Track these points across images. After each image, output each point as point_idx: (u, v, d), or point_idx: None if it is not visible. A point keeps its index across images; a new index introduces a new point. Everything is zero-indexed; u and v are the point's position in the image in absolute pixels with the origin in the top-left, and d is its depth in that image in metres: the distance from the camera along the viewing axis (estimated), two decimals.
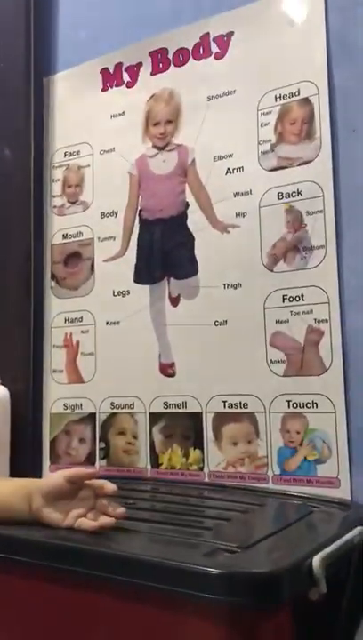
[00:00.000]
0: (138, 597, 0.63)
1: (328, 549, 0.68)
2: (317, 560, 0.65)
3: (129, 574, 0.64)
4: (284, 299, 1.03)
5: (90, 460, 1.20)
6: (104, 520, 0.73)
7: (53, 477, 0.79)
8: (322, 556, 0.66)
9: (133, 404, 1.16)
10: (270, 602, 0.60)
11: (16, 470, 1.20)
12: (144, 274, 1.18)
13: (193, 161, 1.14)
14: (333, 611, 0.69)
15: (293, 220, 1.04)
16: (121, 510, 0.74)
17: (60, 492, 0.76)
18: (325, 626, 0.69)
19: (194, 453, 1.09)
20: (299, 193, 1.03)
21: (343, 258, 1.00)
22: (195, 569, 0.61)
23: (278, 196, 1.05)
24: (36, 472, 1.24)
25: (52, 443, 1.24)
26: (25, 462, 1.23)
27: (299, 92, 1.05)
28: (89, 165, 1.27)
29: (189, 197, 1.14)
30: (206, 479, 1.07)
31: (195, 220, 1.13)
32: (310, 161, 1.03)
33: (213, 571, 0.60)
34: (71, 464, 1.20)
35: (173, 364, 1.13)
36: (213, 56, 1.14)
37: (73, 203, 1.29)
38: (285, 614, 0.63)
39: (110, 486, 0.76)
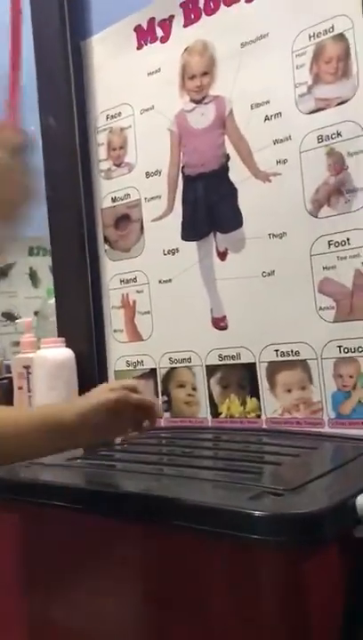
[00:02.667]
0: (188, 540, 0.68)
1: None
2: (361, 499, 0.68)
3: (180, 517, 0.68)
4: (330, 244, 1.02)
5: None
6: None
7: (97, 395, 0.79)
8: None
9: (189, 358, 1.20)
10: (312, 541, 0.63)
11: None
12: (191, 230, 1.19)
13: (231, 111, 1.13)
14: None
15: (334, 163, 1.01)
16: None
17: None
18: None
19: (251, 402, 1.12)
20: (339, 134, 1.01)
21: None
22: (240, 511, 0.64)
23: (318, 139, 1.03)
24: None
25: None
26: None
27: (333, 27, 1.01)
28: (131, 126, 1.28)
29: (230, 149, 1.13)
30: (264, 426, 1.11)
31: (236, 172, 1.12)
32: (348, 100, 1.00)
33: (256, 513, 0.63)
34: None
35: (224, 317, 1.15)
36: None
37: (118, 165, 1.31)
38: (331, 552, 0.66)
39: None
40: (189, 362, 1.20)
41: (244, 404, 1.13)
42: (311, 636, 0.64)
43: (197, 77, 1.18)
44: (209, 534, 0.65)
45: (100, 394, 0.78)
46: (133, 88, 1.27)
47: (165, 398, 1.24)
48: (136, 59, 1.26)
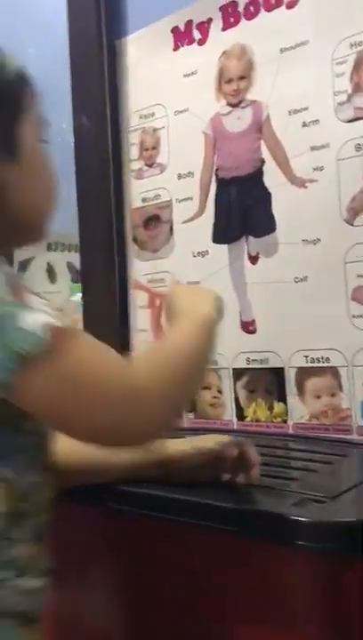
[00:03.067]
0: (232, 545, 0.68)
1: None
2: None
3: (223, 523, 0.69)
4: None
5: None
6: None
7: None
8: None
9: (216, 361, 1.20)
10: (357, 549, 0.63)
11: None
12: (222, 233, 1.20)
13: (268, 116, 1.14)
14: None
15: None
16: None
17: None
18: None
19: (278, 406, 1.13)
20: None
21: None
22: (287, 518, 0.65)
23: (356, 147, 1.03)
24: None
25: None
26: None
27: None
28: (164, 127, 1.29)
29: (265, 154, 1.14)
30: (291, 431, 1.11)
31: (271, 177, 1.13)
32: None
33: (303, 519, 0.64)
34: None
35: (253, 321, 1.15)
36: (284, 5, 1.11)
37: (150, 166, 1.31)
38: None
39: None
40: (216, 364, 1.20)
41: (271, 408, 1.14)
42: None
43: (234, 81, 1.18)
44: (256, 539, 0.65)
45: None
46: (167, 89, 1.28)
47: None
48: (172, 60, 1.27)
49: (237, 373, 1.18)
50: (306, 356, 1.09)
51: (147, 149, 1.32)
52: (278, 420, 1.12)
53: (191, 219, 1.23)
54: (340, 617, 0.65)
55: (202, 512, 0.70)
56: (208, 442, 0.77)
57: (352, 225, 1.04)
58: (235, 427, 1.18)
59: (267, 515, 0.66)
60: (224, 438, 0.77)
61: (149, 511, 0.73)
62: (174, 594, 0.74)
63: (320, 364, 1.07)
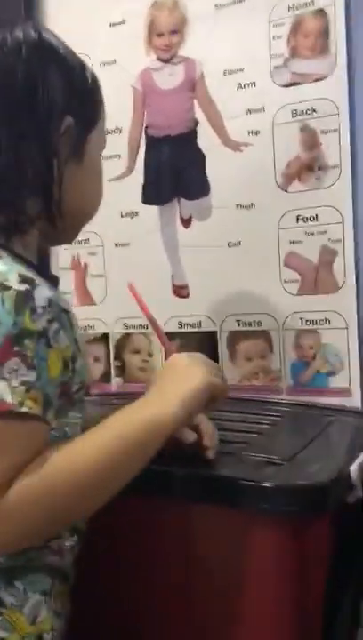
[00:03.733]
0: (199, 510, 0.69)
1: (361, 458, 0.75)
2: (354, 469, 0.72)
3: (187, 491, 0.69)
4: (298, 219, 1.05)
5: (105, 378, 1.24)
6: None
7: None
8: (358, 465, 0.73)
9: (146, 325, 1.19)
10: (318, 509, 0.66)
11: None
12: (153, 194, 1.17)
13: (201, 75, 1.11)
14: None
15: (307, 139, 1.03)
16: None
17: None
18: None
19: None
20: (314, 110, 1.03)
21: (358, 177, 1.01)
22: (251, 483, 0.66)
23: (292, 113, 1.04)
24: None
25: None
26: None
27: (313, 1, 1.02)
28: None
29: (199, 115, 1.11)
30: None
31: (205, 138, 1.11)
32: (325, 77, 1.01)
33: (268, 484, 0.66)
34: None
35: (186, 285, 1.15)
36: None
37: None
38: (325, 519, 0.70)
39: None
40: (146, 328, 1.19)
41: None
42: (304, 603, 0.68)
43: (166, 35, 1.14)
44: (221, 505, 0.67)
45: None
46: (92, 38, 1.20)
47: (118, 364, 1.23)
48: (98, 6, 1.20)
49: (169, 337, 1.17)
50: (238, 320, 1.11)
51: None
52: None
53: (119, 177, 1.19)
54: (295, 577, 0.68)
55: (163, 481, 0.70)
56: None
57: (286, 191, 1.06)
58: None
59: (232, 481, 0.67)
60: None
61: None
62: (129, 564, 0.74)
63: (252, 328, 1.10)
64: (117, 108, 1.18)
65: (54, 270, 1.27)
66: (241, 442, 0.82)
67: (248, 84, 1.07)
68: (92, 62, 1.18)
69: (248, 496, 0.66)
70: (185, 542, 0.71)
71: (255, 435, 0.86)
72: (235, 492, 0.67)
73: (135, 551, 0.74)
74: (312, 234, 1.04)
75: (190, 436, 0.71)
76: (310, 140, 1.03)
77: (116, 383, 1.23)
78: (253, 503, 0.66)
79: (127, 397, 1.16)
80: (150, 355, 1.20)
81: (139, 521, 0.73)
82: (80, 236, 1.23)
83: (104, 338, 1.24)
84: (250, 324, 1.10)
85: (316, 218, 1.04)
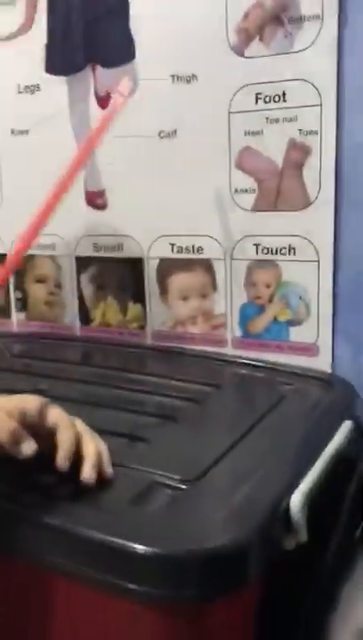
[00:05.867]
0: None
1: (309, 480, 0.47)
2: (296, 502, 0.45)
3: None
4: (257, 98, 0.72)
5: (5, 312, 0.95)
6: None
7: None
8: (303, 494, 0.46)
9: (53, 245, 0.88)
10: (230, 587, 0.39)
11: None
12: (59, 58, 0.83)
13: None
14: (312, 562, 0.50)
15: None
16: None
17: None
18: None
19: (134, 308, 0.85)
20: None
21: (346, 36, 0.67)
22: (116, 543, 0.39)
23: None
24: None
25: None
26: None
27: None
28: None
29: None
30: (149, 340, 0.85)
31: None
32: None
33: (139, 548, 0.38)
34: None
35: (103, 192, 0.83)
36: None
37: None
38: (243, 595, 0.43)
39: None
40: (53, 249, 0.89)
41: (124, 310, 0.86)
42: None
43: None
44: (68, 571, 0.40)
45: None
46: None
47: (19, 295, 0.93)
48: None
49: (82, 263, 0.87)
50: (172, 244, 0.80)
51: None
52: (134, 325, 0.85)
53: (14, 35, 0.84)
54: None
55: None
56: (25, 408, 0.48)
57: (242, 56, 0.72)
58: (78, 332, 0.90)
59: (81, 538, 0.40)
60: (33, 404, 0.48)
61: None
62: None
63: (190, 256, 0.80)
64: None
65: None
66: (134, 436, 0.54)
67: None
68: None
69: (108, 564, 0.39)
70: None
71: (167, 420, 0.58)
72: (86, 556, 0.39)
73: None
74: (277, 121, 0.72)
75: (24, 449, 0.43)
76: None
77: (17, 320, 0.94)
78: (114, 577, 0.39)
79: (30, 339, 0.90)
80: (58, 286, 0.90)
81: None
82: None
83: (1, 260, 0.93)
84: (187, 251, 0.80)
85: (283, 97, 0.71)
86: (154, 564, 0.38)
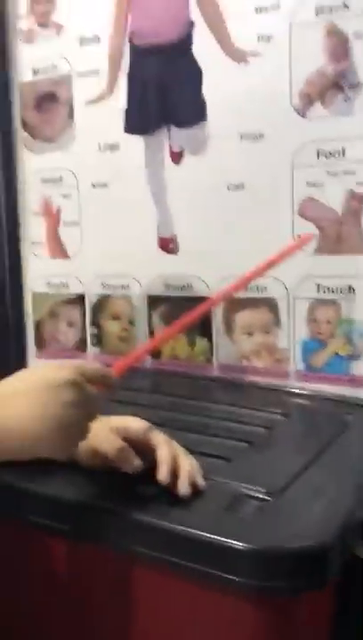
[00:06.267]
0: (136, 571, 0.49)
1: None
2: None
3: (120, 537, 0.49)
4: (319, 154, 0.80)
5: (81, 346, 1.03)
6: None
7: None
8: None
9: (127, 285, 0.97)
10: (313, 584, 0.45)
11: None
12: (137, 120, 0.93)
13: None
14: None
15: (335, 47, 0.77)
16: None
17: None
18: None
19: (201, 343, 0.93)
20: (345, 6, 0.76)
21: None
22: (212, 540, 0.45)
23: (317, 10, 0.78)
24: (20, 359, 1.08)
25: (37, 326, 1.07)
26: (8, 348, 1.07)
27: None
28: None
29: (195, 15, 0.86)
30: (216, 373, 0.92)
31: (202, 47, 0.86)
32: None
33: (238, 545, 0.44)
34: (60, 350, 1.05)
35: (174, 237, 0.92)
36: None
37: (44, 25, 0.99)
38: (322, 594, 0.49)
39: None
40: (127, 289, 0.97)
41: (192, 344, 0.93)
42: None
43: None
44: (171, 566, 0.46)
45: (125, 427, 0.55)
46: None
47: (95, 331, 1.02)
48: None
49: (153, 301, 0.95)
50: None
51: (39, 2, 0.99)
52: (201, 359, 0.93)
53: (97, 99, 0.95)
54: None
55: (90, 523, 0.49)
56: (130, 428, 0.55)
57: (304, 117, 0.80)
58: (149, 365, 0.97)
59: (180, 535, 0.46)
60: (138, 424, 0.56)
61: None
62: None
63: (255, 295, 0.87)
64: (96, 11, 0.93)
65: (22, 216, 1.06)
66: (217, 456, 0.60)
67: None
68: None
69: (207, 559, 0.45)
70: (113, 611, 0.51)
71: (243, 443, 0.65)
72: (187, 552, 0.46)
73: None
74: (336, 174, 0.79)
75: (131, 463, 0.50)
76: (340, 47, 0.77)
77: (92, 353, 1.03)
78: (214, 570, 0.45)
79: None
80: (131, 322, 0.98)
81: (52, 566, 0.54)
82: (52, 174, 1.02)
83: (79, 300, 1.02)
84: (252, 290, 0.87)
85: (342, 153, 0.79)
86: (251, 559, 0.44)
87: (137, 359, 0.60)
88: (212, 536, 0.45)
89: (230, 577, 0.44)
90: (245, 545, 0.44)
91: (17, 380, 0.48)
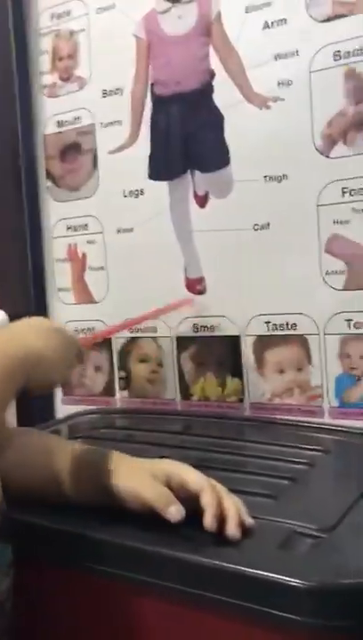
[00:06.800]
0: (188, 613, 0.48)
1: None
2: None
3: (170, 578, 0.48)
4: (343, 192, 0.81)
5: (108, 391, 1.03)
6: None
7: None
8: None
9: (155, 327, 0.97)
10: None
11: (22, 401, 1.05)
12: (161, 167, 0.95)
13: (218, 14, 0.88)
14: None
15: (355, 88, 0.80)
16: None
17: None
18: None
19: (232, 383, 0.92)
20: (362, 50, 0.79)
21: None
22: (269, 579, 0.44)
23: (335, 56, 0.80)
24: (47, 403, 1.08)
25: None
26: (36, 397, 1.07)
27: None
28: (84, 29, 1.01)
29: (216, 64, 0.89)
30: (248, 412, 0.91)
31: (223, 94, 0.88)
32: None
33: (297, 583, 0.43)
34: (87, 395, 1.05)
35: (202, 279, 0.93)
36: None
37: (66, 80, 1.03)
38: None
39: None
40: (155, 331, 0.98)
41: (223, 385, 0.93)
42: None
43: None
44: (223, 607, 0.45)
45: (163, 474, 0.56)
46: None
47: (123, 374, 1.02)
48: None
49: (182, 342, 0.96)
50: (267, 322, 0.88)
51: (62, 58, 1.03)
52: (233, 398, 0.92)
53: (121, 148, 0.98)
54: None
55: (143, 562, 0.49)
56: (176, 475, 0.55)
57: (328, 157, 0.82)
58: (179, 407, 0.97)
59: (238, 575, 0.45)
60: (178, 469, 0.55)
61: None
62: None
63: (285, 332, 0.87)
64: (118, 64, 0.97)
65: (48, 263, 1.08)
66: (262, 494, 0.59)
67: (277, 22, 0.84)
68: (88, 8, 0.99)
69: (264, 598, 0.44)
70: None
71: (285, 481, 0.64)
72: (241, 591, 0.45)
73: None
74: (362, 211, 0.80)
75: (175, 513, 0.50)
76: (359, 89, 0.79)
77: (120, 397, 1.02)
78: (271, 609, 0.44)
79: (132, 414, 0.98)
80: (160, 364, 0.98)
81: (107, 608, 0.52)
82: (77, 222, 1.04)
83: (106, 343, 1.03)
84: (282, 327, 0.87)
85: None
86: (309, 596, 0.43)
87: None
88: (271, 575, 0.44)
89: (292, 616, 0.43)
90: (305, 582, 0.43)
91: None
